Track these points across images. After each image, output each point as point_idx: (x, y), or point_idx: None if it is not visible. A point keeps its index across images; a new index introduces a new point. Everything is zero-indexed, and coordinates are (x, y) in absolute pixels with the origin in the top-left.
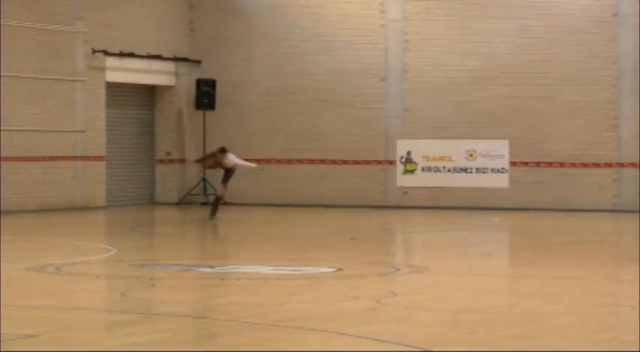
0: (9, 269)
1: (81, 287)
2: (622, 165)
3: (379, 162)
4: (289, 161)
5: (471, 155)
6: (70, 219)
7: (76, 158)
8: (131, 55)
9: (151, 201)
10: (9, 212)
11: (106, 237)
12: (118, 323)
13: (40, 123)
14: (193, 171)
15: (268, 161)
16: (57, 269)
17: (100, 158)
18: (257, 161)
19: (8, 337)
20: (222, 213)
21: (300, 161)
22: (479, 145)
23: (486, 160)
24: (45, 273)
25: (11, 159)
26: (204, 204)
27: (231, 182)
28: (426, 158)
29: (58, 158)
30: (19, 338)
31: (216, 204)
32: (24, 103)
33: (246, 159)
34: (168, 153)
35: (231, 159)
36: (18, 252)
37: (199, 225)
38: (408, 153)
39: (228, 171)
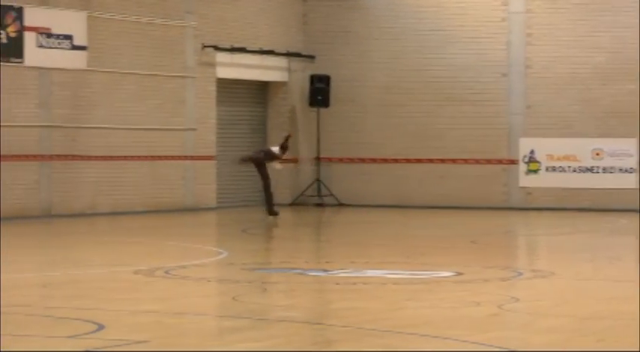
0: (118, 272)
1: (191, 292)
2: None
3: (501, 162)
4: (407, 160)
5: (597, 154)
6: (179, 220)
7: (185, 157)
8: (242, 50)
9: (263, 202)
10: (117, 213)
11: (217, 239)
12: (229, 329)
13: (149, 121)
14: (307, 171)
15: (385, 160)
16: (166, 272)
17: (210, 157)
18: (373, 161)
19: (117, 342)
20: (338, 215)
21: (419, 160)
22: (606, 144)
23: (614, 160)
24: (154, 277)
25: (119, 158)
26: (319, 205)
27: (344, 182)
28: (550, 157)
29: (167, 157)
30: (128, 343)
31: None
32: (133, 101)
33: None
34: None
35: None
36: (127, 254)
37: (313, 227)
38: (531, 152)
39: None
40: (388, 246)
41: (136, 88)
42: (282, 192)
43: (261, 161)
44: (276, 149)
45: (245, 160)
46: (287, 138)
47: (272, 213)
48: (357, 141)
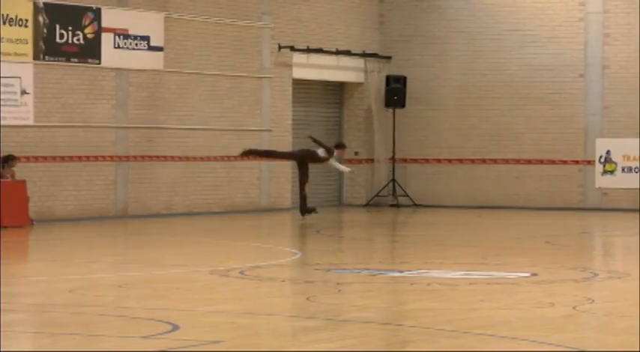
0: (193, 272)
1: (265, 292)
2: None
3: (577, 162)
4: (483, 161)
5: None
6: (254, 221)
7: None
8: (319, 50)
9: (338, 202)
10: (192, 214)
11: (291, 239)
12: (304, 329)
13: (225, 122)
14: (383, 172)
15: (460, 161)
16: (241, 273)
17: None
18: (448, 161)
19: (192, 343)
20: (413, 215)
21: (494, 161)
22: None
23: None
24: (229, 277)
25: (195, 159)
26: (394, 206)
27: (420, 183)
28: (627, 158)
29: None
30: (203, 343)
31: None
32: (209, 101)
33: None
34: (356, 153)
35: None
36: (202, 255)
37: (388, 227)
38: (608, 152)
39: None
40: (463, 246)
41: (212, 88)
42: (357, 193)
43: (302, 161)
44: (321, 151)
45: (252, 153)
46: (339, 142)
47: (306, 211)
48: (432, 142)
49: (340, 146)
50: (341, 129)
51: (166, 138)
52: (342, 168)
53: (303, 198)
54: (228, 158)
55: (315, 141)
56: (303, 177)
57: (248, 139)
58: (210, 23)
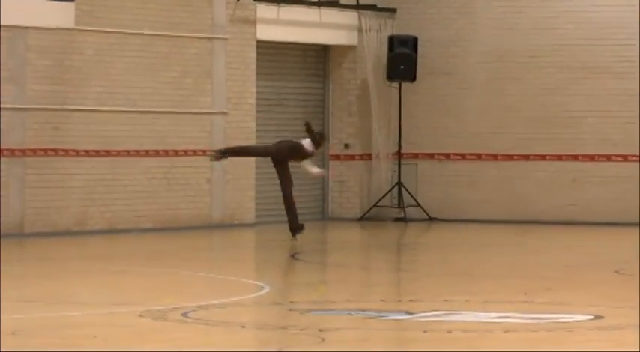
0: (116, 314)
1: (217, 342)
2: None
3: None
4: (524, 157)
5: None
6: (203, 241)
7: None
8: (294, 1)
9: (322, 216)
10: (115, 231)
11: (256, 268)
12: None
13: (161, 102)
14: (384, 173)
15: (494, 157)
16: (184, 315)
17: None
18: (477, 157)
19: None
20: (427, 233)
21: (542, 157)
22: None
23: None
24: (167, 321)
25: (118, 153)
26: (400, 220)
27: (436, 188)
28: None
29: (186, 152)
30: None
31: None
32: (138, 73)
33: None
34: (346, 146)
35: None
36: (129, 289)
37: (392, 250)
38: None
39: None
40: (498, 277)
41: (144, 55)
42: (348, 202)
43: (282, 157)
44: (306, 143)
45: (228, 153)
46: (318, 133)
47: (296, 229)
48: (453, 130)
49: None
50: (325, 112)
51: (79, 125)
52: (315, 170)
53: (291, 208)
54: (166, 152)
55: (309, 131)
56: (284, 180)
57: (194, 126)
58: None
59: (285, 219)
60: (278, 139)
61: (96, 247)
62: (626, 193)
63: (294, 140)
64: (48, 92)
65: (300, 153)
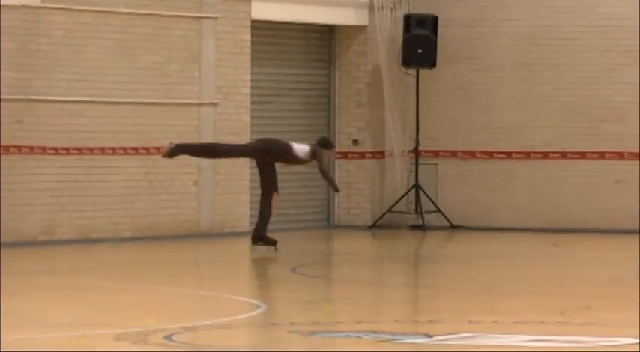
0: (90, 337)
1: None
2: None
3: None
4: (561, 155)
5: None
6: (190, 253)
7: None
8: None
9: (327, 223)
10: (88, 241)
11: (250, 283)
12: None
13: (141, 91)
14: (399, 174)
15: (526, 155)
16: (167, 338)
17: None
18: (507, 156)
19: None
20: (449, 243)
21: (581, 154)
22: None
23: None
24: (148, 345)
25: (92, 151)
26: (418, 228)
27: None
28: None
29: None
30: None
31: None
32: (115, 57)
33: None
34: (355, 142)
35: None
36: (105, 308)
37: (408, 263)
38: None
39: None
40: (530, 294)
41: (122, 37)
42: (357, 208)
43: (269, 155)
44: (302, 149)
45: (182, 150)
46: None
47: (265, 240)
48: (479, 125)
49: (326, 144)
50: (331, 103)
51: (47, 118)
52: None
53: (263, 218)
54: (147, 150)
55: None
56: (267, 185)
57: (178, 119)
58: None
59: (287, 227)
60: (262, 136)
61: (65, 259)
62: None
63: (282, 140)
64: (10, 79)
65: (286, 157)
